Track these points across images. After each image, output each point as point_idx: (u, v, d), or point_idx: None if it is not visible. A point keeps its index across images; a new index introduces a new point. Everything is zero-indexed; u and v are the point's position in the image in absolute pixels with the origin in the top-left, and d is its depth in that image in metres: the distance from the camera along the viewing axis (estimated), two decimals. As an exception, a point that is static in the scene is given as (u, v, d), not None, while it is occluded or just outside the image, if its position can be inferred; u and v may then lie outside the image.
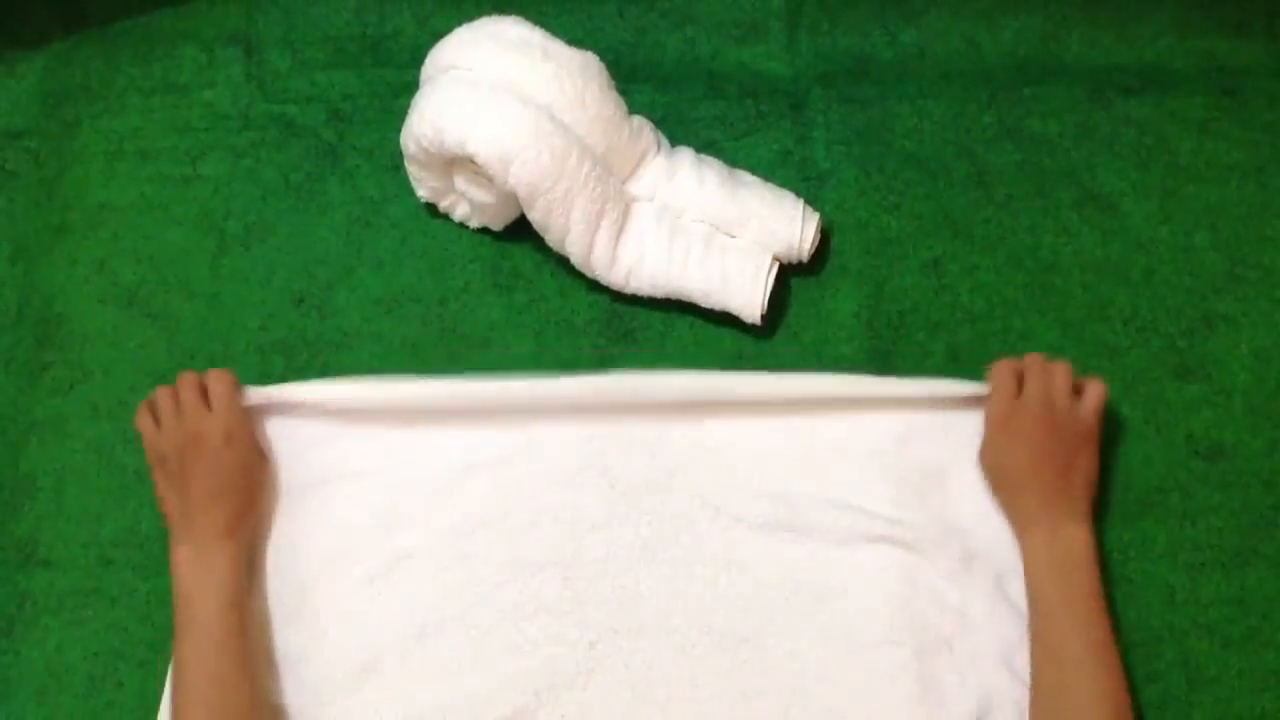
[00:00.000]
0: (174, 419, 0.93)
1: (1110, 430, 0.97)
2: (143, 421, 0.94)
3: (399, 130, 0.98)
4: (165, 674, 0.93)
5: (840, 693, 0.91)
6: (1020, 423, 0.91)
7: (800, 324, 1.02)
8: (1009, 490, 0.92)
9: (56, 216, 1.09)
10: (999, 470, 0.92)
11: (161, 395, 0.95)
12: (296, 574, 0.95)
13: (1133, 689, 0.90)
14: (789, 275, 1.02)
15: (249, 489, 0.94)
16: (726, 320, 1.00)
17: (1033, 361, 0.93)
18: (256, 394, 0.97)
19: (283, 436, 0.99)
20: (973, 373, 0.98)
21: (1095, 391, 0.92)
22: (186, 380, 0.95)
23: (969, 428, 0.96)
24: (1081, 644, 0.85)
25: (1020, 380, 0.93)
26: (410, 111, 0.96)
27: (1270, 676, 0.91)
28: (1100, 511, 0.95)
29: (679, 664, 0.93)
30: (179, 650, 0.87)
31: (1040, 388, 0.91)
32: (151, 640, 0.96)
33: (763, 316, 0.97)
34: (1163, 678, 0.91)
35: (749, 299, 0.97)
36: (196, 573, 0.90)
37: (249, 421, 0.96)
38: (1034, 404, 0.91)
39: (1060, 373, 0.92)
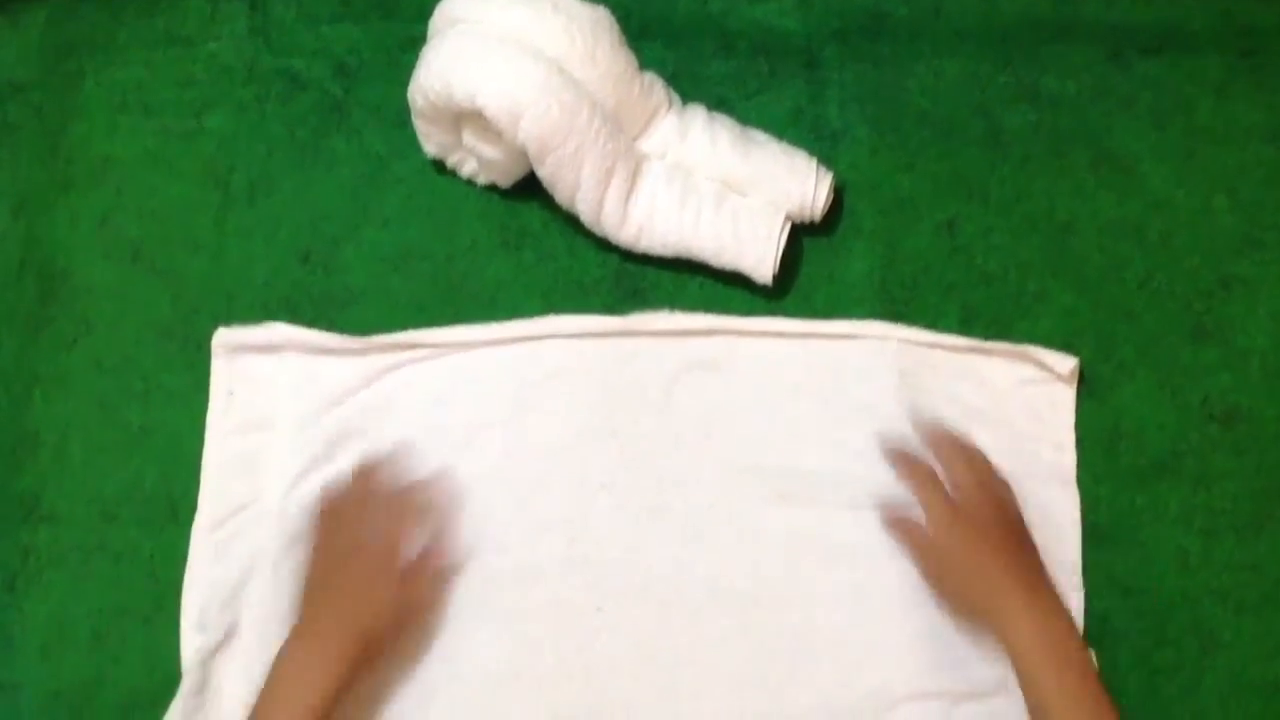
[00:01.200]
0: (360, 521, 0.90)
1: (1124, 394, 0.96)
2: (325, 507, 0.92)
3: (406, 85, 0.97)
4: (170, 630, 0.94)
5: (851, 655, 0.90)
6: (964, 523, 0.87)
7: (812, 285, 1.01)
8: (968, 588, 0.87)
9: (59, 170, 1.07)
10: (954, 576, 0.88)
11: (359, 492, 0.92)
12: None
13: (1144, 654, 0.90)
14: (801, 235, 1.01)
15: (395, 637, 0.89)
16: (737, 280, 0.99)
17: (950, 454, 0.91)
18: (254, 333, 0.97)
19: (285, 384, 0.99)
20: (985, 333, 0.98)
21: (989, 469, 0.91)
22: (414, 514, 0.92)
23: (974, 404, 0.95)
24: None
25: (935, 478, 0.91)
26: (418, 65, 0.95)
27: (1284, 641, 0.91)
28: (1113, 475, 0.94)
29: (687, 627, 0.92)
30: None
31: (970, 485, 0.89)
32: (156, 596, 0.95)
33: (774, 277, 0.96)
34: (1175, 643, 0.91)
35: (760, 259, 0.96)
36: (298, 672, 0.83)
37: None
38: (971, 502, 0.88)
39: (982, 465, 0.91)
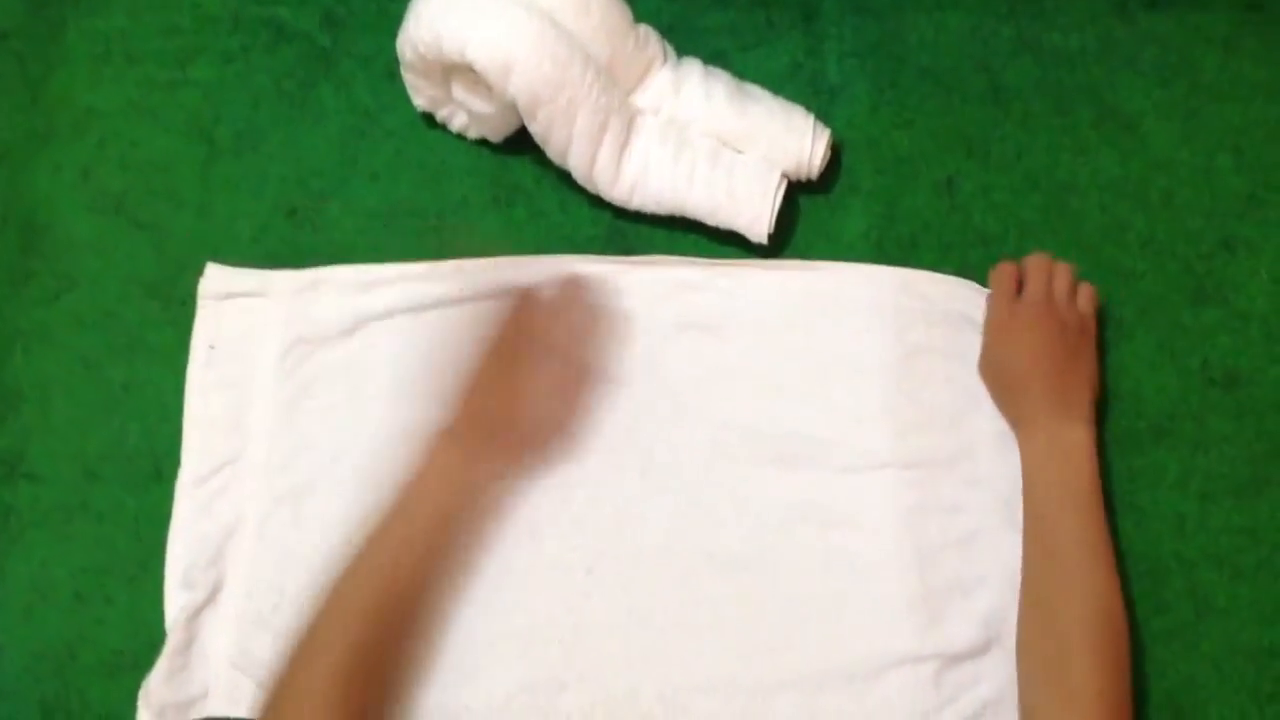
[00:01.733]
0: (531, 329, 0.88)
1: (1123, 356, 0.95)
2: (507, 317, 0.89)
3: (396, 35, 0.95)
4: (154, 589, 0.93)
5: (844, 618, 0.90)
6: (1020, 323, 0.90)
7: (808, 244, 0.99)
8: (1009, 392, 0.91)
9: (41, 121, 1.06)
10: (999, 372, 0.91)
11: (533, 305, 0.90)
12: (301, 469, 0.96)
13: (1140, 619, 0.89)
14: (797, 193, 0.99)
15: (549, 432, 0.88)
16: (732, 239, 0.97)
17: (1033, 260, 0.93)
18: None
19: (268, 337, 0.98)
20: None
21: (1089, 291, 0.93)
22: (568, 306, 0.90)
23: (972, 359, 0.94)
24: (1075, 542, 0.84)
25: (1019, 283, 0.92)
26: (407, 16, 0.93)
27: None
28: (1110, 438, 0.93)
29: (678, 590, 0.91)
30: (388, 527, 0.79)
31: (1040, 286, 0.91)
32: (140, 557, 0.94)
33: (769, 236, 0.95)
34: (1171, 608, 0.90)
35: (756, 217, 0.94)
36: (451, 471, 0.82)
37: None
38: (1033, 303, 0.90)
39: (1061, 273, 0.92)
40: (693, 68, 0.97)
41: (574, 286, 0.91)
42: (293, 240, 1.01)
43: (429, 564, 0.80)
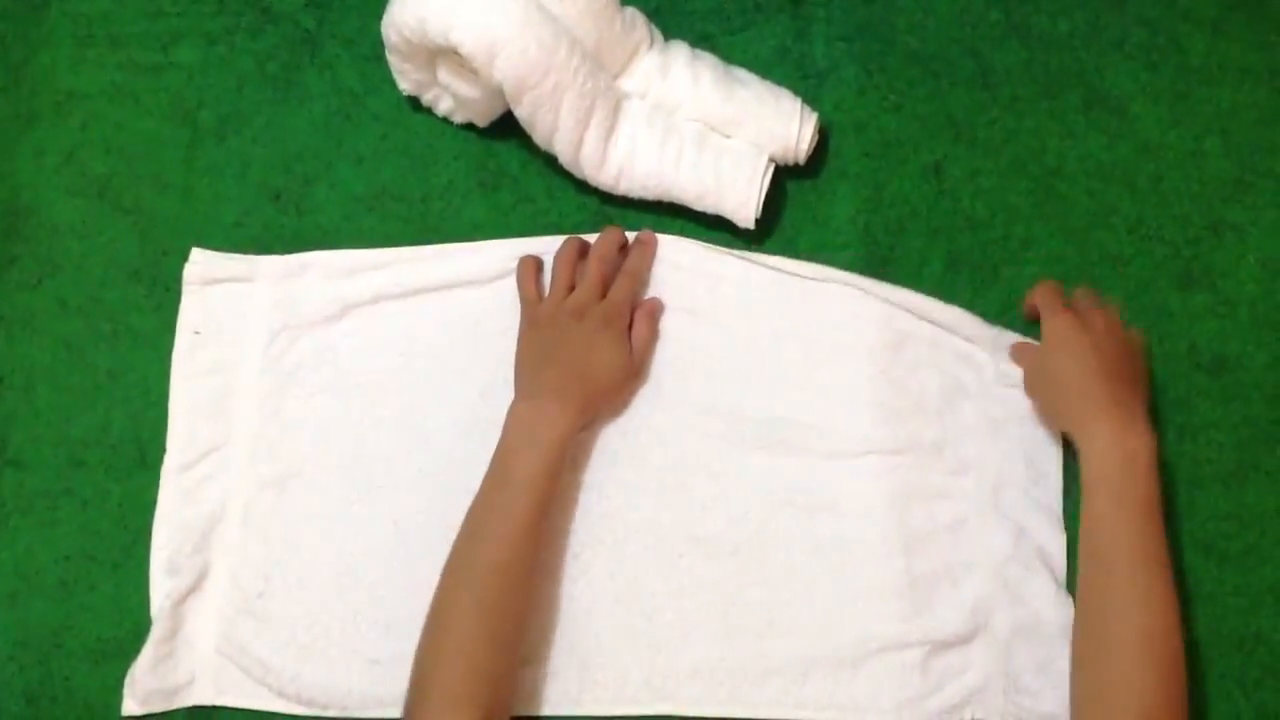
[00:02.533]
0: (566, 290, 0.94)
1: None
2: (526, 283, 0.96)
3: (380, 17, 0.94)
4: (140, 577, 0.93)
5: (830, 604, 0.90)
6: (1082, 330, 0.88)
7: (795, 229, 0.99)
8: (1071, 397, 0.87)
9: (23, 104, 1.05)
10: (1059, 378, 0.88)
11: (563, 263, 0.95)
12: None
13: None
14: (784, 178, 0.99)
15: (609, 378, 0.92)
16: (719, 224, 0.97)
17: (1079, 288, 0.93)
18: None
19: (253, 323, 0.98)
20: (971, 279, 0.96)
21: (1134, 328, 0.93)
22: (600, 255, 0.95)
23: (959, 347, 0.94)
24: (1132, 555, 0.81)
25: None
26: (392, -1, 0.92)
27: (1267, 593, 0.90)
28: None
29: (665, 574, 0.91)
30: (488, 496, 0.86)
31: (1096, 303, 0.91)
32: (124, 543, 0.94)
33: (757, 220, 0.94)
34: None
35: (743, 202, 0.94)
36: (530, 428, 0.88)
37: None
38: (1096, 312, 0.89)
39: (1107, 302, 0.92)
40: (679, 51, 0.97)
41: (582, 242, 0.96)
42: (277, 224, 1.01)
43: (538, 520, 0.86)
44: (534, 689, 0.89)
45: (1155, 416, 0.93)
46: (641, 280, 0.96)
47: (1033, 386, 0.91)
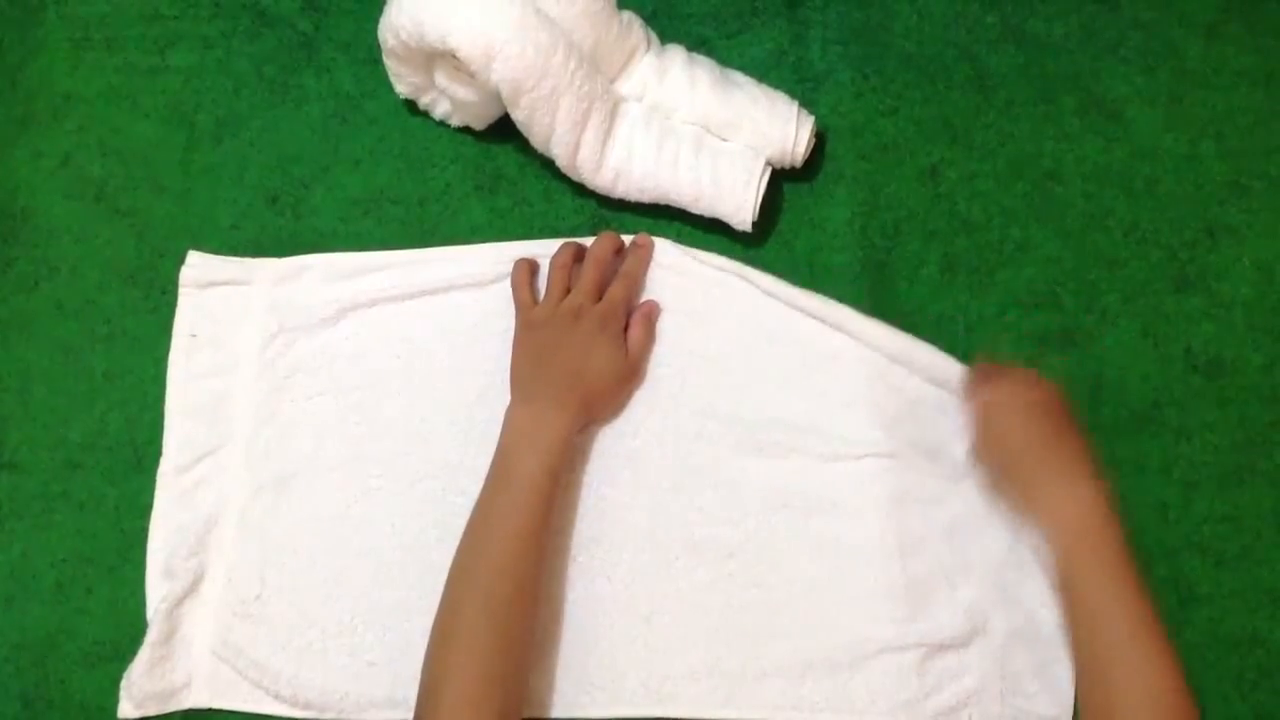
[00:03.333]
0: (562, 294, 0.94)
1: (1106, 344, 0.95)
2: (521, 288, 0.96)
3: (378, 21, 0.94)
4: (136, 580, 0.93)
5: (827, 606, 0.90)
6: (1012, 396, 0.87)
7: (792, 232, 0.99)
8: (1015, 463, 0.86)
9: (20, 107, 1.05)
10: (1000, 445, 0.87)
11: (559, 267, 0.95)
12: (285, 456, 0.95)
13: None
14: (781, 181, 0.99)
15: (606, 381, 0.92)
16: (716, 227, 0.97)
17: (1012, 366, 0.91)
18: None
19: (249, 326, 0.98)
20: (967, 282, 0.96)
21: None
22: (596, 258, 0.95)
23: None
24: (1122, 618, 0.78)
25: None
26: (388, 2, 0.92)
27: (1263, 595, 0.90)
28: (1094, 426, 0.92)
29: (662, 577, 0.91)
30: (489, 500, 0.87)
31: (1019, 370, 0.89)
32: (120, 546, 0.94)
33: (754, 223, 0.94)
34: (1154, 596, 0.90)
35: (740, 205, 0.94)
36: (528, 431, 0.88)
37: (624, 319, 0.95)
38: (1021, 378, 0.88)
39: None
40: (676, 55, 0.97)
41: (578, 247, 0.97)
42: (274, 227, 1.00)
43: (540, 525, 0.86)
44: (532, 693, 0.89)
45: (1145, 420, 0.94)
46: (638, 283, 0.96)
47: (981, 457, 0.90)
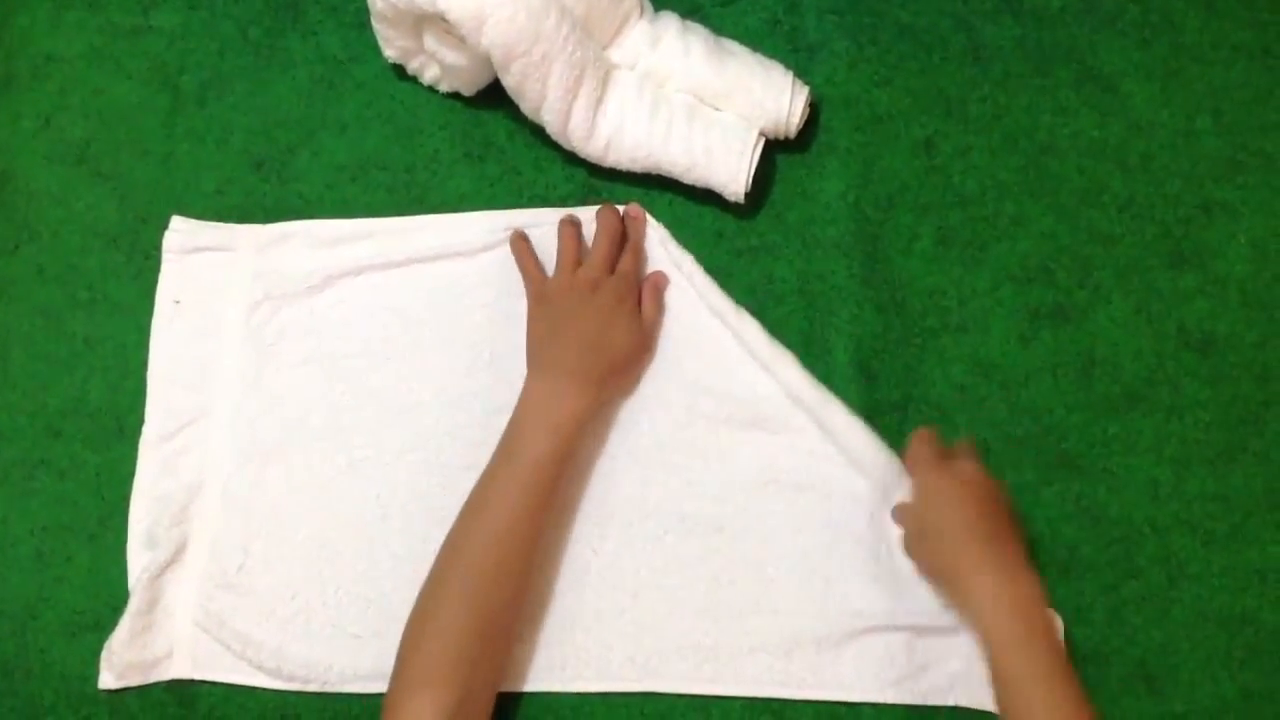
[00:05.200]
0: (573, 265, 0.93)
1: (1099, 320, 0.95)
2: (528, 262, 0.95)
3: (366, -17, 0.93)
4: (117, 548, 0.92)
5: (816, 583, 0.89)
6: (953, 489, 0.85)
7: (785, 203, 0.98)
8: (950, 554, 0.84)
9: (0, 68, 1.03)
10: (936, 533, 0.85)
11: (569, 238, 0.94)
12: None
13: (1112, 584, 0.89)
14: (775, 152, 0.98)
15: (625, 353, 0.92)
16: (708, 197, 0.96)
17: (957, 446, 0.89)
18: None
19: (234, 292, 0.97)
20: (961, 255, 0.96)
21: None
22: (608, 232, 0.94)
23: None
24: (1056, 706, 0.77)
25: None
26: (378, -37, 0.91)
27: (1252, 574, 0.90)
28: (1086, 403, 0.93)
29: (650, 551, 0.91)
30: (492, 474, 0.86)
31: (965, 457, 0.87)
32: (101, 514, 0.93)
33: (746, 194, 0.93)
34: (1143, 573, 0.90)
35: (733, 175, 0.93)
36: (543, 407, 0.87)
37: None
38: (965, 470, 0.86)
39: (969, 451, 0.89)
40: (670, 22, 0.95)
41: (577, 223, 0.96)
42: (259, 193, 0.99)
43: (548, 500, 0.86)
44: (517, 665, 0.89)
45: (1137, 398, 0.93)
46: (644, 255, 0.96)
47: (912, 547, 0.89)
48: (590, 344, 0.89)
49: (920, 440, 0.89)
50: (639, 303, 0.93)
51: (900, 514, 0.90)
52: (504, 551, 0.83)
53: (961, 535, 0.83)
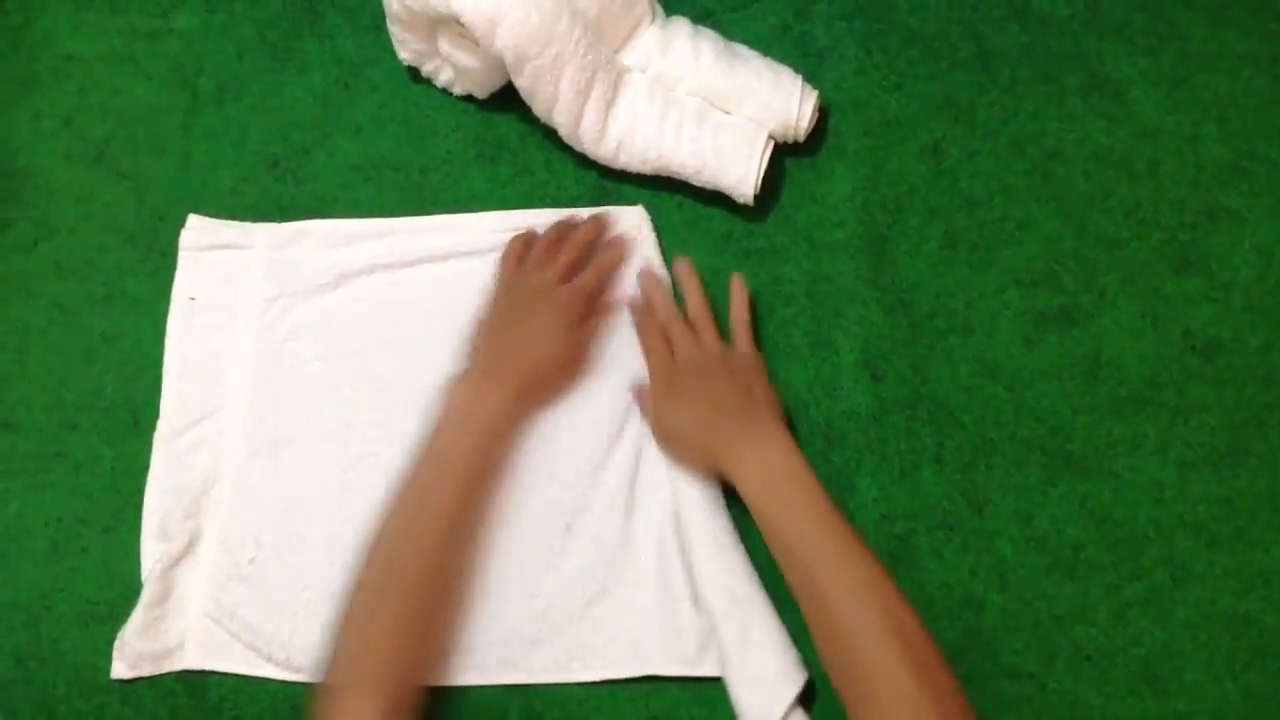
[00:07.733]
0: (538, 268, 0.93)
1: (1105, 324, 0.95)
2: (509, 258, 0.96)
3: (381, -13, 0.94)
4: (131, 541, 0.93)
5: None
6: (685, 383, 0.88)
7: (793, 206, 0.99)
8: (697, 439, 0.86)
9: (22, 67, 1.05)
10: (679, 427, 0.88)
11: (544, 244, 0.95)
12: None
13: (1117, 585, 0.89)
14: (784, 155, 0.99)
15: (545, 365, 0.91)
16: (717, 200, 0.97)
17: (671, 323, 0.92)
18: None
19: (248, 290, 0.98)
20: (968, 259, 0.96)
21: (741, 329, 0.92)
22: (575, 242, 0.95)
23: None
24: (839, 562, 0.79)
25: (668, 340, 0.91)
26: (393, -33, 0.92)
27: (1256, 577, 0.90)
28: (1092, 406, 0.93)
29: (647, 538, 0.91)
30: (411, 473, 0.86)
31: (688, 348, 0.90)
32: (116, 506, 0.94)
33: (755, 196, 0.94)
34: (1148, 575, 0.90)
35: (742, 178, 0.94)
36: (464, 409, 0.87)
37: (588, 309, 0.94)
38: (691, 364, 0.88)
39: (705, 328, 0.91)
40: (681, 26, 0.97)
41: (568, 228, 0.96)
42: (274, 192, 1.00)
43: (465, 499, 0.86)
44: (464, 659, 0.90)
45: (1142, 401, 0.93)
46: (608, 275, 0.96)
47: (666, 443, 0.90)
48: (513, 347, 0.90)
49: (645, 336, 0.93)
50: (587, 318, 0.93)
51: (642, 406, 0.92)
52: (422, 551, 0.84)
53: (705, 423, 0.86)
